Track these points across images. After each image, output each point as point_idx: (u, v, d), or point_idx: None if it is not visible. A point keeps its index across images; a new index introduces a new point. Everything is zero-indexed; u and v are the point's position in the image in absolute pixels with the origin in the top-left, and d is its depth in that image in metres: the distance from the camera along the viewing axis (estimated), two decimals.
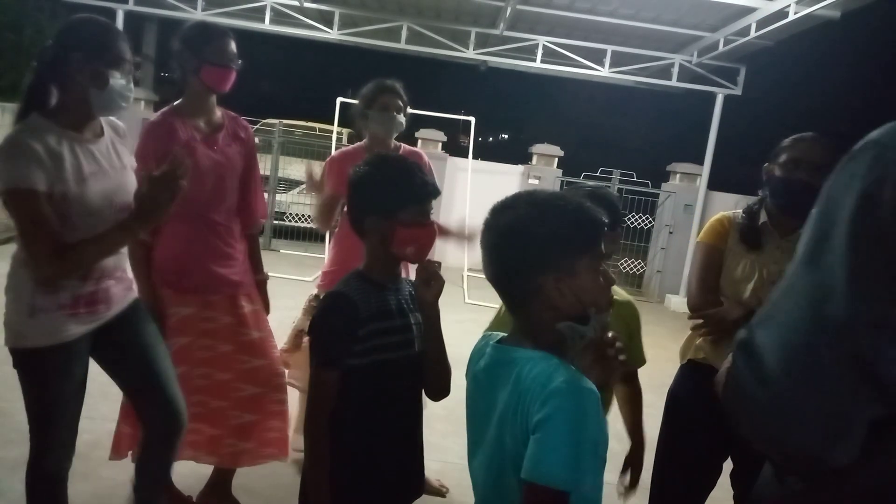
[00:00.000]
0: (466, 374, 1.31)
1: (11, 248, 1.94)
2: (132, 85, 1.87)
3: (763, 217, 2.06)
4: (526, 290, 1.15)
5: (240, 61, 2.32)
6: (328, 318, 1.53)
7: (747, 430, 0.93)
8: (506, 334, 1.26)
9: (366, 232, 1.57)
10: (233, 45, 2.30)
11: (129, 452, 2.40)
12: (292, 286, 6.47)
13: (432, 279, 1.54)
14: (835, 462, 0.84)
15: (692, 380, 2.14)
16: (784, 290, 0.89)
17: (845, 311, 0.80)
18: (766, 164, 2.07)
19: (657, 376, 4.96)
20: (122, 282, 2.00)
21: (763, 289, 1.96)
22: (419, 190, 1.56)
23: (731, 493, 2.17)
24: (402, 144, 2.95)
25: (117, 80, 1.81)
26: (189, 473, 2.60)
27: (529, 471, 1.04)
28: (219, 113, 2.41)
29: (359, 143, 2.96)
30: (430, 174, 2.90)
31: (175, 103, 2.35)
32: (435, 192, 1.59)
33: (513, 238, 1.15)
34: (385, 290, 1.57)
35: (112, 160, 1.89)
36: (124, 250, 1.98)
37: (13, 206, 1.68)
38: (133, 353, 2.02)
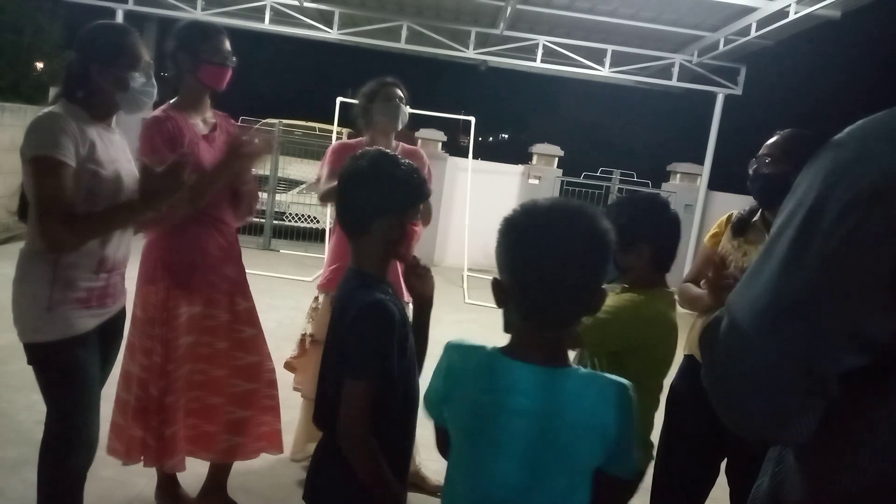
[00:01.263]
0: (471, 392, 1.20)
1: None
2: (154, 81, 2.00)
3: (757, 216, 2.14)
4: (599, 297, 1.16)
5: (234, 58, 2.34)
6: (376, 330, 1.42)
7: (716, 409, 0.95)
8: (504, 350, 1.20)
9: (370, 232, 1.50)
10: (227, 43, 2.32)
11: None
12: (292, 286, 6.47)
13: (425, 273, 1.61)
14: (785, 442, 0.88)
15: (692, 376, 2.16)
16: (744, 280, 0.91)
17: (783, 311, 0.81)
18: (752, 160, 2.18)
19: None
20: (123, 277, 2.10)
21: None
22: (423, 188, 1.57)
23: (729, 492, 2.17)
24: (401, 143, 2.97)
25: (137, 80, 1.94)
26: (189, 473, 2.59)
27: (625, 469, 1.17)
28: (210, 112, 2.44)
29: (360, 138, 2.97)
30: (428, 173, 2.94)
31: (172, 101, 2.36)
32: (429, 192, 1.63)
33: (604, 246, 1.12)
34: (388, 289, 1.56)
35: (125, 152, 2.03)
36: (130, 246, 2.06)
37: (37, 173, 1.78)
38: (104, 363, 2.07)
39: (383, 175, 1.50)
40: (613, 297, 1.74)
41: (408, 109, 2.86)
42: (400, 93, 2.81)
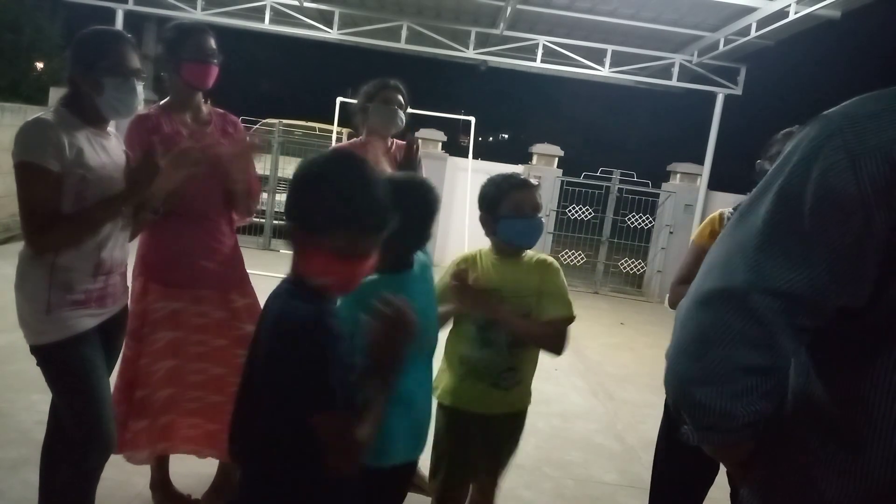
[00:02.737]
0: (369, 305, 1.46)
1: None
2: (138, 87, 1.98)
3: None
4: None
5: (220, 56, 2.34)
6: (314, 349, 1.24)
7: (667, 392, 0.94)
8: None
9: (323, 241, 1.29)
10: (211, 42, 2.32)
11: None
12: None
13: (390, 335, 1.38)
14: (710, 410, 0.86)
15: None
16: (717, 242, 0.93)
17: (745, 272, 0.83)
18: (758, 161, 2.14)
19: (657, 376, 4.92)
20: (123, 277, 2.13)
21: None
22: (385, 218, 1.34)
23: (728, 491, 2.17)
24: (396, 140, 2.97)
25: (114, 86, 1.93)
26: (189, 473, 2.60)
27: None
28: (206, 110, 2.45)
29: (356, 139, 2.99)
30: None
31: (162, 101, 2.40)
32: (384, 223, 1.34)
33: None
34: (332, 301, 1.39)
35: (118, 156, 2.05)
36: (127, 247, 2.08)
37: (20, 178, 1.82)
38: (109, 360, 2.10)
39: (364, 184, 1.30)
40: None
41: (404, 115, 2.85)
42: (399, 98, 2.82)
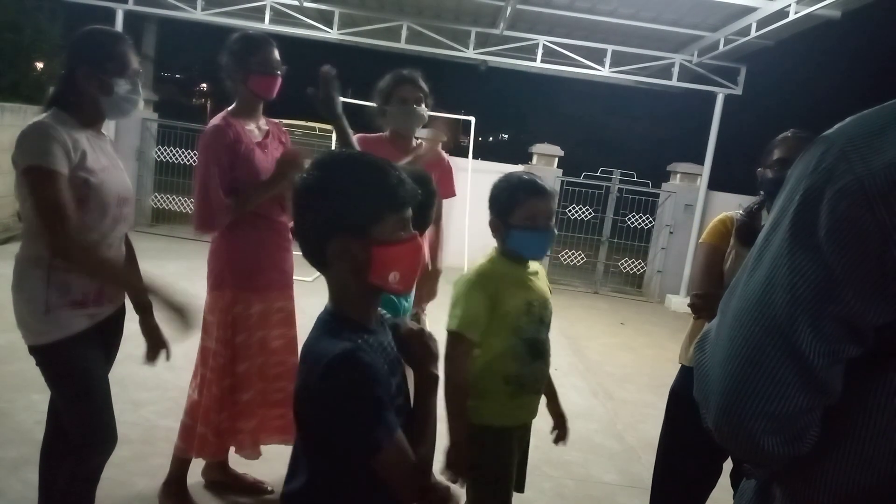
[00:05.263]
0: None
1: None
2: (139, 90, 2.00)
3: (765, 217, 2.07)
4: None
5: (284, 67, 2.44)
6: (350, 388, 1.15)
7: (706, 421, 0.93)
8: None
9: (328, 260, 1.19)
10: (276, 53, 2.42)
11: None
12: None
13: (421, 340, 1.31)
14: (778, 456, 0.85)
15: (690, 382, 2.15)
16: (736, 281, 0.90)
17: (781, 307, 0.81)
18: (759, 169, 2.12)
19: (657, 376, 4.96)
20: None
21: None
22: (396, 192, 1.20)
23: (732, 493, 2.17)
24: (423, 143, 2.83)
25: (121, 86, 1.94)
26: (190, 473, 2.60)
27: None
28: (262, 119, 2.52)
29: (380, 133, 2.83)
30: (448, 171, 2.84)
31: (229, 109, 2.45)
32: (414, 193, 1.23)
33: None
34: (373, 334, 1.25)
35: (115, 158, 2.04)
36: (122, 250, 2.07)
37: (32, 184, 1.77)
38: (108, 359, 2.10)
39: (336, 183, 1.18)
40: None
41: (426, 107, 2.71)
42: (418, 92, 2.69)
